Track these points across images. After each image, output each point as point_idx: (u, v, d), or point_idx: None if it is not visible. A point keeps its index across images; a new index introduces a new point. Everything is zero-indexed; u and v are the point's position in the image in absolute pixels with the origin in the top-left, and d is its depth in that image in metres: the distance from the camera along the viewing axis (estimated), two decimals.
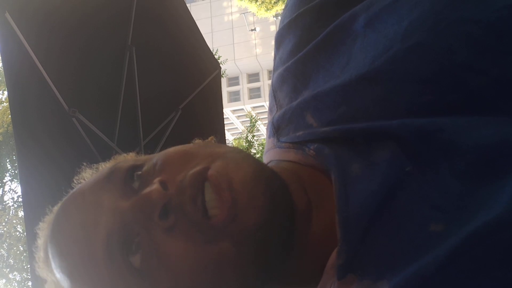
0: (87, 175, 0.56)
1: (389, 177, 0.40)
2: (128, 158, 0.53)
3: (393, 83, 0.44)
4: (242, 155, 0.46)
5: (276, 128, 0.56)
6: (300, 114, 0.52)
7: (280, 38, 0.62)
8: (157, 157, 0.47)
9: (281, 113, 0.56)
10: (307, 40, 0.55)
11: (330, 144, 0.47)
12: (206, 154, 0.46)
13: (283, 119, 0.55)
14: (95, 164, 0.57)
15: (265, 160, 0.59)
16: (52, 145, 1.78)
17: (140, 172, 0.47)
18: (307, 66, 0.54)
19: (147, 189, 0.43)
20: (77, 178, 0.56)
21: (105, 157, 1.97)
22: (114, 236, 0.43)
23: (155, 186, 0.42)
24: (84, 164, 0.57)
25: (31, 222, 1.67)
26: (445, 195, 0.37)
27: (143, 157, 0.51)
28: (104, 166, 0.56)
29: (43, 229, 0.53)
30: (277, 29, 0.63)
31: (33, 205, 1.70)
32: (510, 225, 0.32)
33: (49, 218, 0.53)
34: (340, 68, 0.50)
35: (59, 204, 0.51)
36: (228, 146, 0.48)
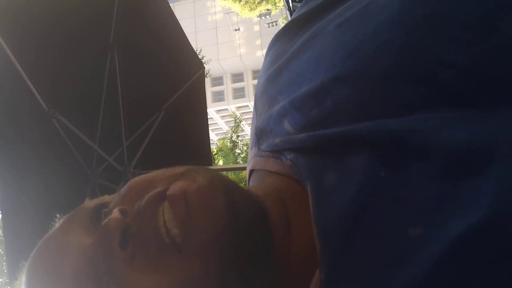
0: None
1: (365, 184, 0.40)
2: (97, 198, 0.52)
3: (363, 82, 0.44)
4: (201, 170, 0.45)
5: (258, 137, 0.56)
6: (279, 121, 0.52)
7: (272, 43, 0.63)
8: (121, 191, 0.47)
9: (263, 121, 0.56)
10: (287, 49, 0.56)
11: (306, 153, 0.47)
12: (166, 176, 0.45)
13: (266, 127, 0.55)
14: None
15: (247, 170, 0.59)
16: (30, 146, 1.74)
17: (106, 209, 0.46)
18: (283, 73, 0.55)
19: (106, 219, 0.42)
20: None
21: (87, 158, 1.93)
22: (81, 274, 0.42)
23: (113, 214, 0.41)
24: (58, 216, 0.57)
25: (9, 225, 1.63)
26: (420, 197, 0.36)
27: (113, 195, 0.50)
28: None
29: (17, 286, 0.52)
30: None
31: (11, 208, 1.65)
32: (495, 227, 0.31)
33: (22, 275, 0.51)
34: (311, 70, 0.50)
35: (29, 258, 0.50)
36: (190, 166, 0.48)
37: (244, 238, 0.41)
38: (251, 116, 0.63)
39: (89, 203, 0.48)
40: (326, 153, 0.45)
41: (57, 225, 0.54)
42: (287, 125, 0.50)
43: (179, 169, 0.46)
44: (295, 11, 0.64)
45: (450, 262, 0.32)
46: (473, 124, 0.37)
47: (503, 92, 0.38)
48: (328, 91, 0.46)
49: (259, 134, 0.56)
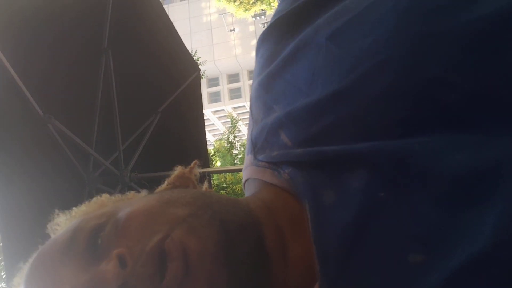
0: (61, 221, 0.54)
1: (364, 205, 0.39)
2: (92, 215, 0.50)
3: (363, 101, 0.43)
4: (204, 219, 0.44)
5: (254, 145, 0.56)
6: (275, 133, 0.51)
7: (260, 44, 0.61)
8: (119, 215, 0.46)
9: (258, 129, 0.55)
10: (276, 54, 0.55)
11: (304, 169, 0.46)
12: (167, 218, 0.43)
13: (261, 136, 0.54)
14: (67, 210, 0.56)
15: (244, 177, 0.59)
16: (26, 152, 1.73)
17: (103, 233, 0.45)
18: (276, 81, 0.54)
19: (104, 266, 0.41)
20: (50, 224, 0.55)
21: (83, 163, 1.89)
22: None
23: (111, 264, 0.41)
24: (57, 210, 0.56)
25: (7, 231, 1.62)
26: (422, 224, 0.35)
27: (109, 209, 0.49)
28: (77, 212, 0.54)
29: None
30: (256, 28, 0.62)
31: (9, 214, 1.64)
32: (496, 258, 0.31)
33: (17, 281, 0.51)
34: (307, 84, 0.49)
35: (25, 272, 0.49)
36: (192, 205, 0.46)
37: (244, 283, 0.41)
38: (248, 116, 0.62)
39: (86, 223, 0.47)
40: (324, 170, 0.44)
41: (60, 220, 0.54)
42: (284, 137, 0.50)
43: (182, 210, 0.45)
44: (279, 4, 0.62)
45: None
46: (476, 148, 0.36)
47: (506, 115, 0.36)
48: (326, 108, 0.45)
49: (255, 142, 0.56)
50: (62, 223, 0.54)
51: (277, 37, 0.56)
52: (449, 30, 0.39)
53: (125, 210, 0.46)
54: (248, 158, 0.57)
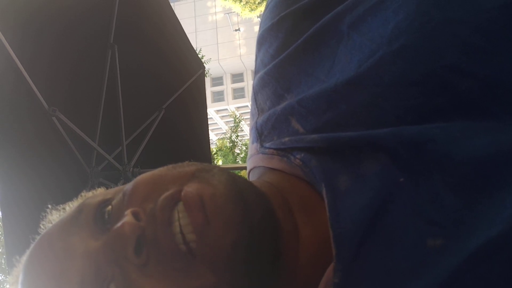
0: (54, 218, 0.53)
1: (380, 190, 0.39)
2: (97, 193, 0.49)
3: (380, 87, 0.43)
4: (213, 172, 0.43)
5: (260, 133, 0.55)
6: (284, 120, 0.50)
7: (261, 40, 0.60)
8: (126, 187, 0.45)
9: (265, 117, 0.54)
10: (288, 43, 0.54)
11: (317, 154, 0.45)
12: (176, 175, 0.43)
13: (267, 124, 0.53)
14: (61, 205, 0.55)
15: (248, 166, 0.58)
16: (30, 144, 1.74)
17: (110, 207, 0.44)
18: (287, 70, 0.53)
19: (119, 223, 0.40)
20: (43, 223, 0.53)
21: (86, 157, 1.89)
22: (89, 280, 0.41)
23: (126, 218, 0.39)
24: (50, 206, 0.55)
25: (9, 223, 1.63)
26: (440, 208, 0.35)
27: (112, 190, 0.48)
28: (71, 206, 0.53)
29: (12, 283, 0.50)
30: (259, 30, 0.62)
31: (11, 206, 1.65)
32: None
33: (17, 270, 0.50)
34: (325, 72, 0.48)
35: (26, 254, 0.48)
36: (198, 164, 0.46)
37: (257, 244, 0.40)
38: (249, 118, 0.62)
39: (91, 199, 0.47)
40: (339, 156, 0.44)
41: (53, 217, 0.53)
42: (295, 124, 0.49)
43: (189, 167, 0.44)
44: (263, 15, 0.61)
45: (466, 274, 0.32)
46: (493, 134, 0.36)
47: None
48: (342, 95, 0.45)
49: (261, 130, 0.55)
50: (56, 220, 0.53)
51: (290, 27, 0.55)
52: (468, 17, 0.39)
53: (131, 183, 0.45)
54: (253, 147, 0.56)
